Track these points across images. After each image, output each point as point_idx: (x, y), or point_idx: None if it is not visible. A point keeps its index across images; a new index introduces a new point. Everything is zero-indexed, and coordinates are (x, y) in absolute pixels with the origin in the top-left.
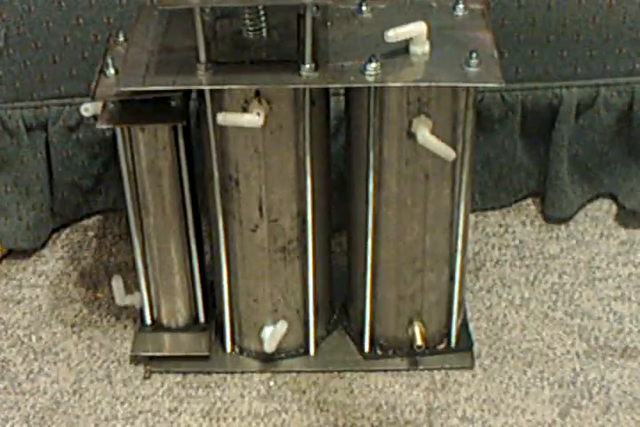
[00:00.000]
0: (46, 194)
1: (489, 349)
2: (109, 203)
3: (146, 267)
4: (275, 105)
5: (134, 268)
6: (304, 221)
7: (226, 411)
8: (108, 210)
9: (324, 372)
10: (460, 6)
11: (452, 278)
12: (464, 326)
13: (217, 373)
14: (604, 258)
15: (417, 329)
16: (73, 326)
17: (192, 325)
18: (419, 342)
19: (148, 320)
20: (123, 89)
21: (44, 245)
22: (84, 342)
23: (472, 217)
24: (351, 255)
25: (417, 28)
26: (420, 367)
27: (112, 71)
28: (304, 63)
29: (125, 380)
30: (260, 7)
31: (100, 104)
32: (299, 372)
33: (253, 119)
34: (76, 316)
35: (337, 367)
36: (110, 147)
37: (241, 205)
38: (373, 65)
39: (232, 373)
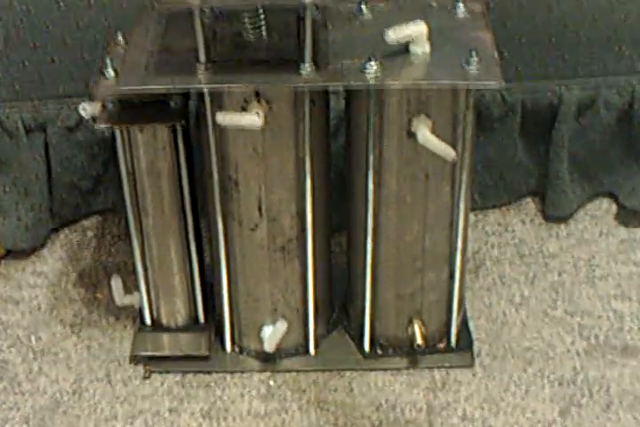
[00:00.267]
0: (45, 194)
1: (489, 347)
2: (108, 203)
3: (145, 267)
4: (274, 105)
5: (133, 268)
6: (303, 221)
7: (226, 410)
8: (107, 210)
9: (323, 371)
10: (461, 6)
11: (451, 277)
12: (464, 324)
13: (217, 372)
14: (604, 256)
15: (417, 328)
16: (72, 326)
17: (192, 324)
18: (419, 340)
19: (148, 320)
20: (122, 89)
21: (43, 246)
22: (84, 343)
23: (472, 216)
24: (351, 255)
25: (417, 29)
26: (420, 366)
27: (111, 72)
28: (304, 63)
29: (125, 380)
30: (260, 7)
31: (98, 104)
32: (299, 371)
33: (253, 119)
34: (75, 316)
35: (337, 367)
36: (109, 147)
37: (240, 205)
38: (373, 65)
39: (232, 372)
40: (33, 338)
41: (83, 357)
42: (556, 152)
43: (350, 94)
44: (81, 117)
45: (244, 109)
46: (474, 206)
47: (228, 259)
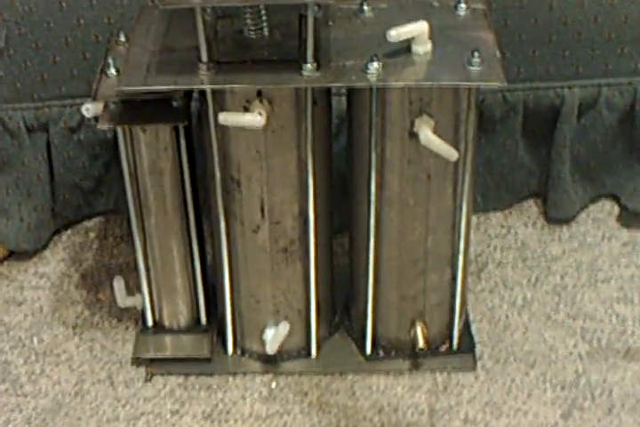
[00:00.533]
0: (47, 195)
1: (491, 350)
2: (111, 204)
3: (147, 268)
4: (276, 105)
5: (136, 269)
6: (306, 222)
7: (227, 413)
8: (109, 211)
9: (325, 373)
10: (462, 6)
11: (454, 280)
12: (466, 327)
13: (219, 374)
14: (607, 259)
15: (419, 331)
16: (74, 327)
17: (194, 326)
18: (421, 343)
19: (150, 322)
20: (124, 89)
21: (45, 247)
22: (86, 344)
23: (474, 218)
24: (353, 256)
25: (419, 28)
26: (422, 369)
27: (113, 71)
28: (306, 63)
29: (127, 382)
30: (262, 7)
31: (101, 104)
32: (300, 373)
33: (255, 119)
34: (77, 317)
35: (339, 369)
36: (111, 148)
37: (243, 206)
38: (375, 65)
39: (234, 374)
40: (35, 339)
41: (85, 358)
42: (558, 153)
43: (352, 94)
44: (83, 118)
45: (246, 109)
46: (476, 208)
47: (230, 260)
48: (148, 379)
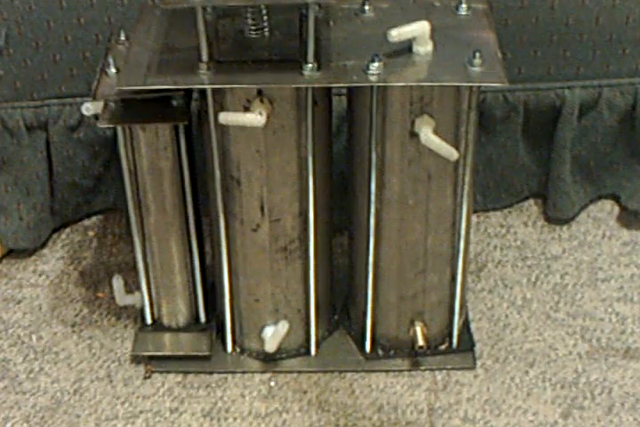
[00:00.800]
0: (47, 194)
1: (491, 349)
2: (110, 203)
3: (146, 266)
4: (277, 104)
5: (135, 267)
6: (305, 221)
7: (227, 411)
8: (108, 210)
9: (325, 372)
10: (463, 6)
11: (453, 279)
12: (466, 326)
13: (218, 373)
14: (607, 259)
15: (418, 329)
16: (73, 325)
17: (193, 324)
18: (420, 342)
19: (149, 320)
20: (124, 88)
21: (44, 245)
22: (85, 342)
23: (474, 218)
24: (353, 255)
25: (420, 28)
26: (422, 368)
27: (113, 70)
28: (306, 63)
29: (126, 380)
30: (263, 6)
31: (101, 103)
32: (300, 372)
33: (255, 119)
34: (76, 315)
35: (338, 368)
36: (111, 146)
37: (242, 205)
38: (376, 64)
39: (233, 373)
40: (34, 337)
41: (84, 356)
42: (559, 153)
43: (353, 94)
44: (82, 116)
45: (246, 109)
46: (476, 208)
47: (229, 259)
48: (147, 377)
